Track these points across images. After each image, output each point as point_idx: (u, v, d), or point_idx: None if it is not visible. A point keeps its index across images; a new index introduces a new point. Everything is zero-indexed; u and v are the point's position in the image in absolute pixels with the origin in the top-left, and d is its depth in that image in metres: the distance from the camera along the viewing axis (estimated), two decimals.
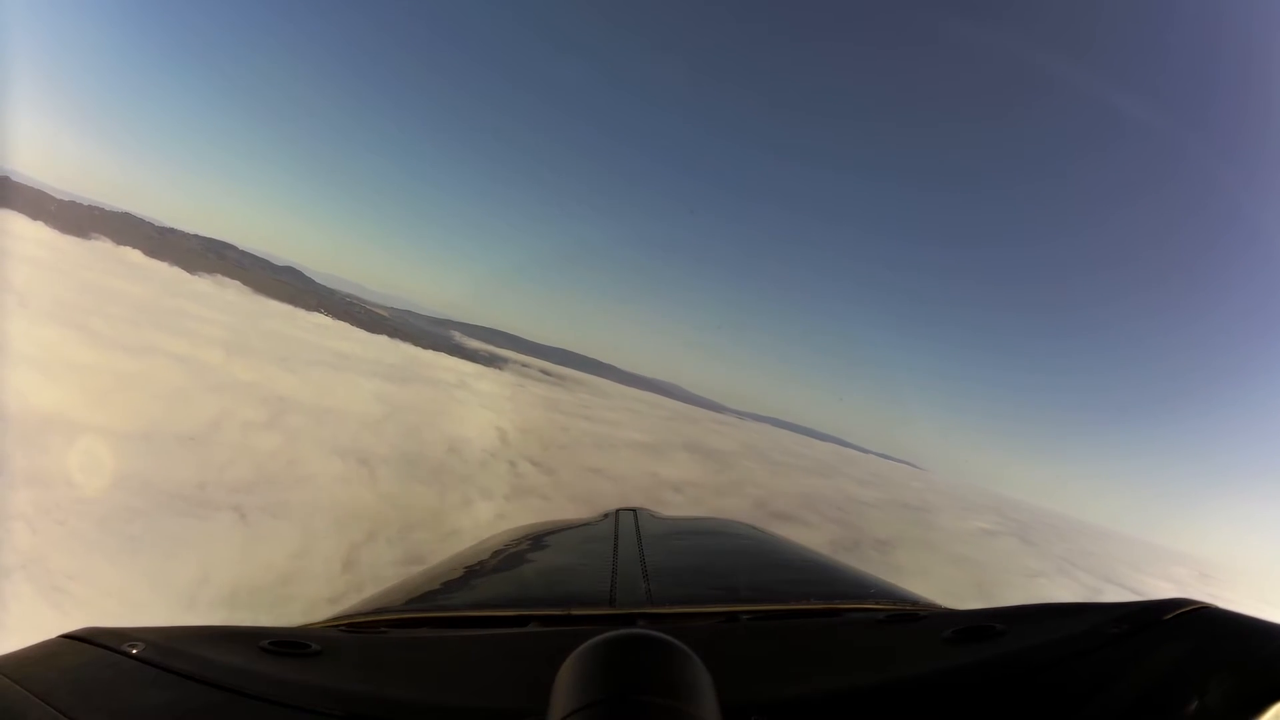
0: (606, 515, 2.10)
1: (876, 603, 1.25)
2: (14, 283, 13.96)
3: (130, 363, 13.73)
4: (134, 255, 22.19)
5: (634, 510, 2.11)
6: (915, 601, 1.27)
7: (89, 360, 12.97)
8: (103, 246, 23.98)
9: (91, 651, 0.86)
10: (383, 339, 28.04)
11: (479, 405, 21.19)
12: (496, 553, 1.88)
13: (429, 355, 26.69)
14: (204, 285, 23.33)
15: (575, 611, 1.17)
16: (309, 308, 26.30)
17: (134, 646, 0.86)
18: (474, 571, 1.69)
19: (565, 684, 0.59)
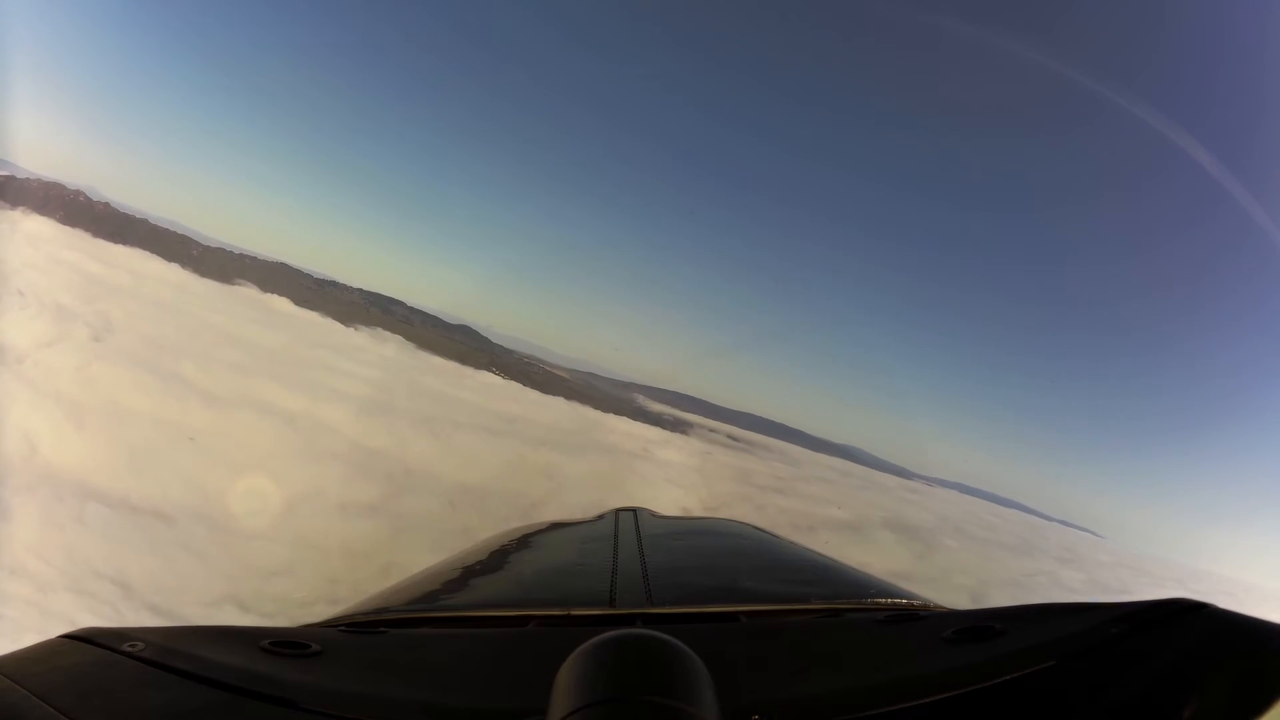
0: (606, 515, 2.09)
1: (877, 603, 1.24)
2: (111, 318, 11.68)
3: (207, 416, 9.81)
4: (281, 303, 21.22)
5: (634, 510, 2.09)
6: (916, 601, 1.26)
7: (149, 409, 9.27)
8: (245, 293, 23.57)
9: (91, 651, 0.85)
10: (559, 401, 24.77)
11: (661, 478, 17.38)
12: (496, 553, 1.87)
13: (609, 420, 23.48)
14: (358, 338, 21.38)
15: (575, 611, 1.16)
16: (478, 366, 23.07)
17: (134, 646, 0.84)
18: (474, 571, 1.67)
19: (565, 684, 0.59)
